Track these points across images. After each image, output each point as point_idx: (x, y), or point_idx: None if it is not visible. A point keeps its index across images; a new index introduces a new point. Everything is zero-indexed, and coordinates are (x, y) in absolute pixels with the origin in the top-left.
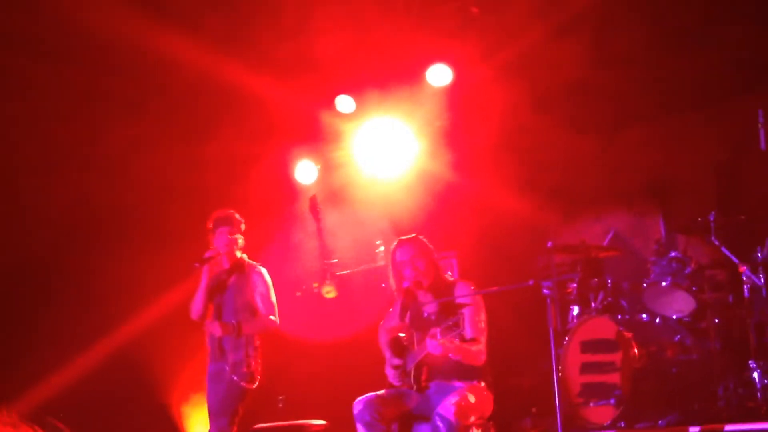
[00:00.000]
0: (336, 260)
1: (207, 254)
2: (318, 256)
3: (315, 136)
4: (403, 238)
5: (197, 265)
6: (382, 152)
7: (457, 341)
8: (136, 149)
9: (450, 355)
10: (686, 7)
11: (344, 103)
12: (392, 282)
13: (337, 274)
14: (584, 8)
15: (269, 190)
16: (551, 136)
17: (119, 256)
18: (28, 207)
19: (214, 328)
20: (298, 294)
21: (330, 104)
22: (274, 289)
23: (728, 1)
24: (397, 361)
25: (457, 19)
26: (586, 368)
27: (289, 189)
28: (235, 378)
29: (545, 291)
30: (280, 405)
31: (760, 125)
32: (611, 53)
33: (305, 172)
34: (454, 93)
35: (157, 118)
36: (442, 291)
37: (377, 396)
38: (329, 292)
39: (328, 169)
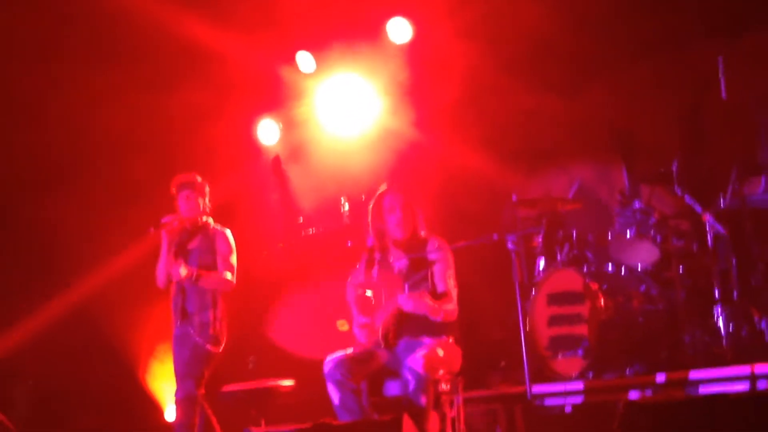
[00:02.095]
0: (301, 219)
1: (163, 219)
2: (282, 215)
3: (277, 92)
4: (382, 191)
5: (152, 229)
6: (344, 109)
7: (427, 296)
8: (95, 101)
9: (429, 315)
10: None
11: (305, 60)
12: (370, 228)
13: (303, 233)
14: None
15: (232, 148)
16: (514, 93)
17: (78, 209)
18: None
19: (179, 267)
20: (264, 254)
21: (291, 61)
22: (238, 248)
23: None
24: (363, 320)
25: None
26: (553, 321)
27: (252, 146)
28: (200, 341)
29: (510, 245)
30: (251, 366)
31: (720, 74)
32: (571, 11)
33: (267, 131)
34: (416, 50)
35: (117, 71)
36: (416, 247)
37: (347, 355)
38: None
39: (290, 126)
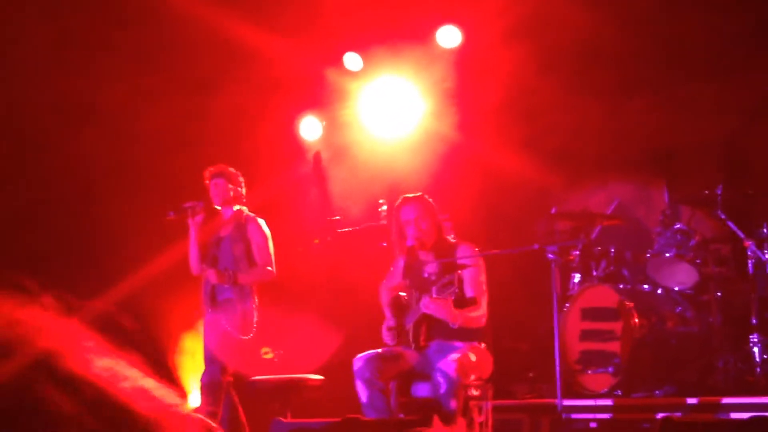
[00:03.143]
0: (338, 217)
1: (186, 204)
2: (320, 212)
3: (321, 93)
4: (409, 196)
5: (172, 214)
6: (388, 111)
7: (449, 301)
8: (140, 102)
9: (449, 323)
10: None
11: (352, 60)
12: (395, 240)
13: (339, 231)
14: None
15: (275, 146)
16: (557, 99)
17: (122, 210)
18: (30, 159)
19: (210, 275)
20: (316, 241)
21: (337, 62)
22: (274, 243)
23: None
24: (391, 323)
25: None
26: (585, 335)
27: (295, 145)
28: (230, 328)
29: (550, 256)
30: (276, 360)
31: None
32: (622, 16)
33: (310, 128)
34: (461, 54)
35: (162, 72)
36: (444, 252)
37: (377, 353)
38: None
39: (333, 126)
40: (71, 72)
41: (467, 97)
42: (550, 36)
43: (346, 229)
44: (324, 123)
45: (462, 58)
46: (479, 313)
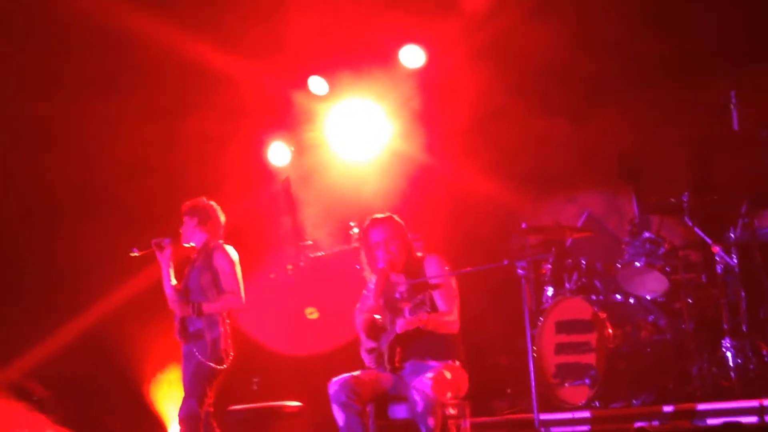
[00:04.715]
0: (310, 242)
1: (153, 241)
2: (291, 237)
3: (287, 116)
4: (377, 217)
5: (135, 251)
6: (355, 133)
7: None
8: (105, 127)
9: (422, 326)
10: None
11: (317, 84)
12: (365, 262)
13: (311, 255)
14: None
15: (242, 171)
16: (523, 118)
17: (88, 235)
18: None
19: (174, 308)
20: (272, 276)
21: (302, 85)
22: (244, 269)
23: None
24: (370, 344)
25: None
26: (560, 348)
27: (263, 170)
28: (203, 358)
29: (520, 271)
30: (255, 387)
31: (732, 106)
32: (584, 35)
33: (278, 153)
34: (427, 75)
35: (126, 97)
36: (414, 269)
37: (353, 376)
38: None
39: (300, 150)
40: (34, 101)
41: (434, 118)
42: (513, 57)
43: (319, 254)
44: (292, 148)
45: (427, 78)
46: (451, 318)
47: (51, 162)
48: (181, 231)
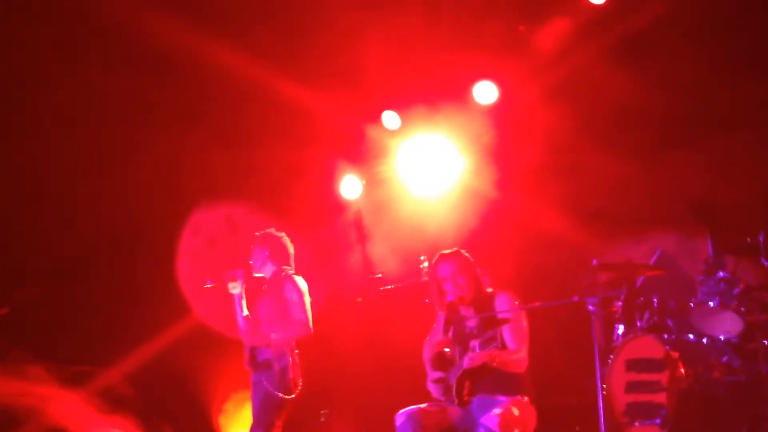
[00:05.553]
0: (380, 275)
1: (227, 273)
2: (362, 270)
3: (360, 149)
4: (445, 252)
5: (209, 283)
6: (427, 168)
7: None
8: (185, 154)
9: (489, 363)
10: (735, 33)
11: (390, 119)
12: (435, 297)
13: (381, 288)
14: (630, 32)
15: (314, 202)
16: (595, 158)
17: (165, 261)
18: (74, 209)
19: (245, 338)
20: (359, 299)
21: (376, 119)
22: (311, 299)
23: None
24: (437, 375)
25: (503, 37)
26: (631, 387)
27: (334, 202)
28: (270, 388)
29: (590, 308)
30: (323, 419)
31: None
32: (657, 77)
33: (350, 186)
34: (499, 111)
35: (206, 126)
36: (484, 304)
37: (420, 409)
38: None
39: (372, 183)
40: (118, 120)
41: (505, 154)
42: (585, 94)
43: (389, 287)
44: (364, 181)
45: (499, 115)
46: (519, 356)
47: (133, 185)
48: (251, 261)
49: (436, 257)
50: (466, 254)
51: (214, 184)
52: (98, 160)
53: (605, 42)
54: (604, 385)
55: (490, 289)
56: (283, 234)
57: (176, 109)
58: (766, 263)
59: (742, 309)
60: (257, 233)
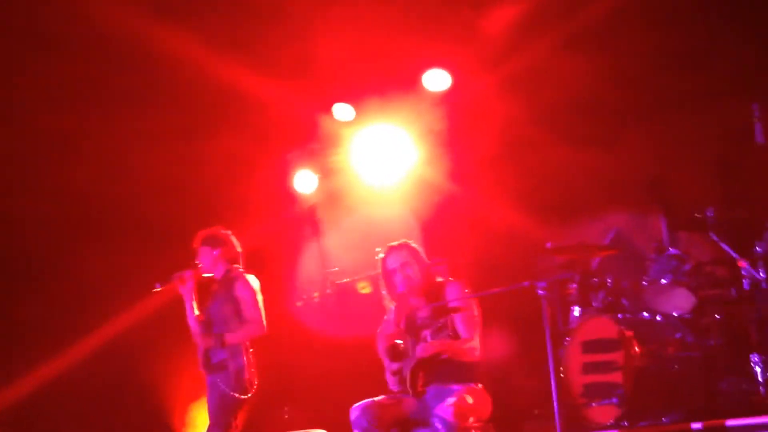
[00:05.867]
0: (337, 269)
1: (174, 275)
2: (318, 264)
3: (314, 140)
4: (393, 244)
5: (158, 286)
6: (381, 159)
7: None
8: (132, 144)
9: (442, 353)
10: (684, 24)
11: (342, 110)
12: (384, 289)
13: (338, 282)
14: (583, 22)
15: (267, 193)
16: (550, 145)
17: (111, 250)
18: (19, 197)
19: (198, 340)
20: (299, 304)
21: (329, 109)
22: (268, 297)
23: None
24: (395, 366)
25: (457, 25)
26: (588, 368)
27: (287, 193)
28: (226, 389)
29: (540, 292)
30: (286, 416)
31: (755, 119)
32: (609, 63)
33: (303, 179)
34: (453, 101)
35: (155, 115)
36: (434, 294)
37: (374, 401)
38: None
39: (326, 174)
40: (64, 110)
41: (459, 144)
42: (539, 83)
43: (345, 280)
44: (318, 174)
45: (452, 105)
46: (471, 345)
47: (79, 176)
48: (199, 262)
49: (385, 250)
50: (414, 245)
51: (165, 174)
52: (41, 149)
53: (560, 32)
54: (562, 368)
55: (440, 279)
56: (229, 232)
57: (124, 97)
58: (714, 237)
59: (694, 285)
60: (202, 233)
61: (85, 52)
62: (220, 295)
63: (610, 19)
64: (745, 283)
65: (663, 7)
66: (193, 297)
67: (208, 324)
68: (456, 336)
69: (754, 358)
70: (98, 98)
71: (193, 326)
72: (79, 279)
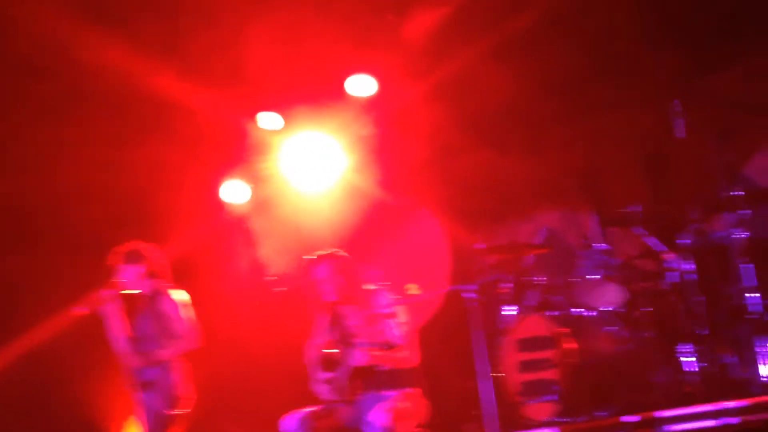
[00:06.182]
0: (272, 277)
1: (98, 295)
2: (250, 273)
3: (243, 147)
4: (321, 253)
5: (79, 309)
6: (310, 166)
7: (375, 349)
8: (56, 152)
9: (374, 362)
10: (604, 31)
11: (268, 119)
12: (314, 298)
13: (275, 290)
14: (513, 33)
15: (196, 201)
16: (478, 152)
17: (37, 258)
18: None
19: (126, 360)
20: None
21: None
22: (198, 305)
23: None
24: (327, 375)
25: (382, 32)
26: (524, 366)
27: (216, 202)
28: (159, 406)
29: (465, 295)
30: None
31: (677, 115)
32: (535, 71)
33: (233, 189)
34: (381, 108)
35: (81, 122)
36: (364, 302)
37: (309, 412)
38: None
39: (256, 182)
40: None
41: (388, 151)
42: (466, 91)
43: (279, 289)
44: (249, 183)
45: (381, 112)
46: (403, 352)
47: (3, 184)
48: (121, 279)
49: (312, 259)
50: (343, 253)
51: (89, 183)
52: None
53: (486, 41)
54: (499, 367)
55: (370, 286)
56: (151, 246)
57: (50, 105)
58: (642, 231)
59: (624, 279)
60: (122, 249)
61: (9, 57)
62: (146, 311)
63: (535, 29)
64: (675, 275)
65: (585, 18)
66: (119, 316)
67: (135, 342)
68: (388, 343)
69: (686, 348)
70: (24, 106)
71: (120, 346)
72: (3, 286)
